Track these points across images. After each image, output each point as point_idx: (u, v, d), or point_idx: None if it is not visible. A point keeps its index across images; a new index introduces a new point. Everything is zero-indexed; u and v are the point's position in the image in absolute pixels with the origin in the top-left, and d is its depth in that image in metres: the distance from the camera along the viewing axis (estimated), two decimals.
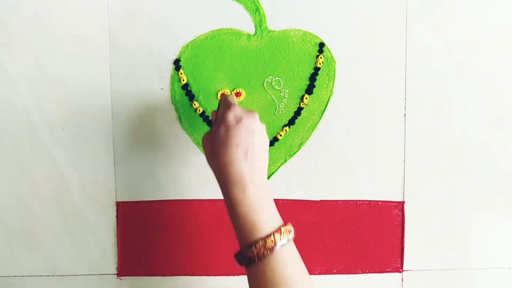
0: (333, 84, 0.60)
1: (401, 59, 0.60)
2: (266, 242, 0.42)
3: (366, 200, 0.61)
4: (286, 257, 0.43)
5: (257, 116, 0.48)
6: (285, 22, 0.59)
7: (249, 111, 0.49)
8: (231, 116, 0.47)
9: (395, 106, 0.60)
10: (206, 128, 0.60)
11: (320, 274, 0.62)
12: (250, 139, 0.46)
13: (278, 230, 0.43)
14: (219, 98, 0.59)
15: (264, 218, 0.44)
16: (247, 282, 0.62)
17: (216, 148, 0.46)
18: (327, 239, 0.61)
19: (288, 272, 0.43)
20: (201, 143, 0.60)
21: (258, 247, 0.42)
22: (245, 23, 0.59)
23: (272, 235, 0.43)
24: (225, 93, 0.59)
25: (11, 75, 0.58)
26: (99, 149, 0.59)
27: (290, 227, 0.45)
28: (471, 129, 0.61)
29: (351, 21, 0.59)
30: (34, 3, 0.58)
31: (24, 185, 0.60)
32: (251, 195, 0.44)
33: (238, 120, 0.47)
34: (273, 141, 0.60)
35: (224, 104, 0.50)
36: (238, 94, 0.59)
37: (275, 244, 0.42)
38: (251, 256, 0.43)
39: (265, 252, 0.42)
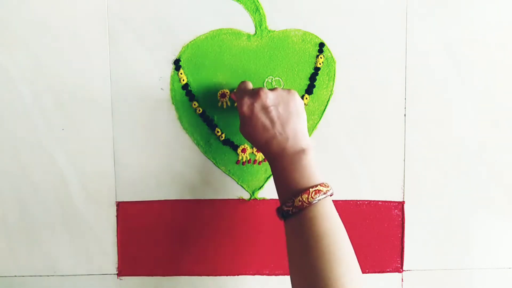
0: (333, 84, 0.60)
1: (401, 59, 0.60)
2: (293, 201, 0.48)
3: (366, 200, 0.61)
4: (315, 215, 0.48)
5: (264, 91, 0.52)
6: (285, 22, 0.59)
7: (256, 90, 0.52)
8: (244, 108, 0.52)
9: (395, 106, 0.60)
10: (206, 128, 0.60)
11: None
12: (269, 116, 0.51)
13: (306, 191, 0.48)
14: (219, 98, 0.59)
15: (295, 182, 0.49)
16: (246, 282, 0.62)
17: (250, 136, 0.53)
18: None
19: (317, 228, 0.47)
20: (200, 143, 0.60)
21: (288, 205, 0.48)
22: (245, 23, 0.59)
23: (299, 195, 0.48)
24: (225, 93, 0.59)
25: (11, 75, 0.58)
26: (99, 149, 0.59)
27: (321, 187, 0.49)
28: (471, 129, 0.61)
29: (351, 21, 0.59)
30: (34, 3, 0.58)
31: (24, 185, 0.60)
32: (283, 164, 0.50)
33: (251, 107, 0.52)
34: None
35: (237, 96, 0.55)
36: None
37: (302, 203, 0.48)
38: (283, 213, 0.49)
39: (294, 209, 0.48)
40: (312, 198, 0.48)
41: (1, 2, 0.57)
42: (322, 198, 0.48)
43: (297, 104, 0.52)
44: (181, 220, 0.61)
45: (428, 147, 0.61)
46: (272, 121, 0.51)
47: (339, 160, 0.61)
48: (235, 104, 0.59)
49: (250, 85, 0.56)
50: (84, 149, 0.59)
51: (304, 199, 0.48)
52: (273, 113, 0.51)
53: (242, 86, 0.55)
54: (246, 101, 0.52)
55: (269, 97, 0.52)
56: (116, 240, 0.61)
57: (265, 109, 0.51)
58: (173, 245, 0.61)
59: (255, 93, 0.52)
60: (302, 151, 0.50)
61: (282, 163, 0.50)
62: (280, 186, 0.51)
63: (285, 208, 0.48)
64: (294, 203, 0.48)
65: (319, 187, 0.48)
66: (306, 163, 0.50)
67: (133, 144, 0.60)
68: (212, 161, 0.60)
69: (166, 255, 0.61)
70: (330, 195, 0.49)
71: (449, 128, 0.61)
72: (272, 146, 0.51)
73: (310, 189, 0.48)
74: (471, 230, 0.62)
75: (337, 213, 0.49)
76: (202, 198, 0.61)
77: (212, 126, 0.60)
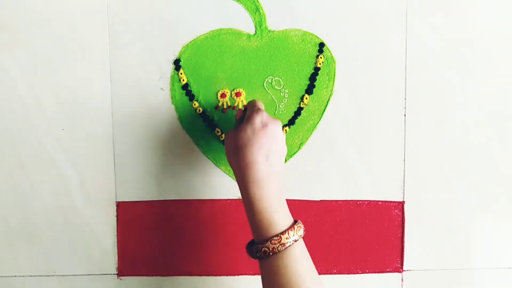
0: (333, 84, 0.60)
1: (401, 59, 0.60)
2: (281, 238, 0.45)
3: (366, 200, 0.61)
4: (298, 253, 0.46)
5: (280, 124, 0.51)
6: (285, 22, 0.59)
7: (275, 119, 0.52)
8: (258, 119, 0.50)
9: (395, 106, 0.60)
10: (206, 128, 0.60)
11: (320, 274, 0.61)
12: (272, 144, 0.49)
13: (292, 227, 0.46)
14: (219, 98, 0.59)
15: (280, 216, 0.47)
16: (246, 282, 0.62)
17: (239, 147, 0.49)
18: (327, 239, 0.61)
19: (300, 267, 0.45)
20: (200, 143, 0.60)
21: (273, 242, 0.45)
22: (245, 23, 0.59)
23: (286, 232, 0.46)
24: (225, 93, 0.59)
25: (11, 75, 0.58)
26: (99, 149, 0.59)
27: (301, 224, 0.47)
28: (471, 129, 0.61)
29: (351, 21, 0.59)
30: (34, 3, 0.58)
31: (24, 185, 0.60)
32: (269, 194, 0.47)
33: (264, 125, 0.50)
34: None
35: (253, 107, 0.53)
36: (238, 94, 0.59)
37: (288, 240, 0.45)
38: (266, 250, 0.45)
39: (280, 247, 0.45)
40: (297, 234, 0.46)
41: (1, 2, 0.57)
42: (302, 235, 0.47)
43: (284, 154, 0.52)
44: (181, 220, 0.61)
45: (428, 147, 0.61)
46: (273, 150, 0.49)
47: (339, 160, 0.61)
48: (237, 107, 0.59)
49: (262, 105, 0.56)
50: (84, 149, 0.59)
51: (291, 235, 0.45)
52: (278, 145, 0.50)
53: (258, 103, 0.56)
54: (264, 115, 0.51)
55: (281, 129, 0.51)
56: (116, 240, 0.61)
57: (275, 137, 0.50)
58: (173, 245, 0.61)
59: (275, 119, 0.52)
60: (283, 189, 0.49)
61: (268, 193, 0.47)
62: (262, 216, 0.47)
63: (270, 247, 0.45)
64: (282, 240, 0.45)
65: (300, 224, 0.47)
66: (285, 200, 0.49)
67: (133, 144, 0.60)
68: (212, 161, 0.60)
69: (166, 255, 0.61)
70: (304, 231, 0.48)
71: (449, 128, 0.61)
72: (261, 170, 0.48)
73: (295, 225, 0.46)
74: (471, 230, 0.62)
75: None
76: (202, 198, 0.61)
77: (212, 126, 0.60)
